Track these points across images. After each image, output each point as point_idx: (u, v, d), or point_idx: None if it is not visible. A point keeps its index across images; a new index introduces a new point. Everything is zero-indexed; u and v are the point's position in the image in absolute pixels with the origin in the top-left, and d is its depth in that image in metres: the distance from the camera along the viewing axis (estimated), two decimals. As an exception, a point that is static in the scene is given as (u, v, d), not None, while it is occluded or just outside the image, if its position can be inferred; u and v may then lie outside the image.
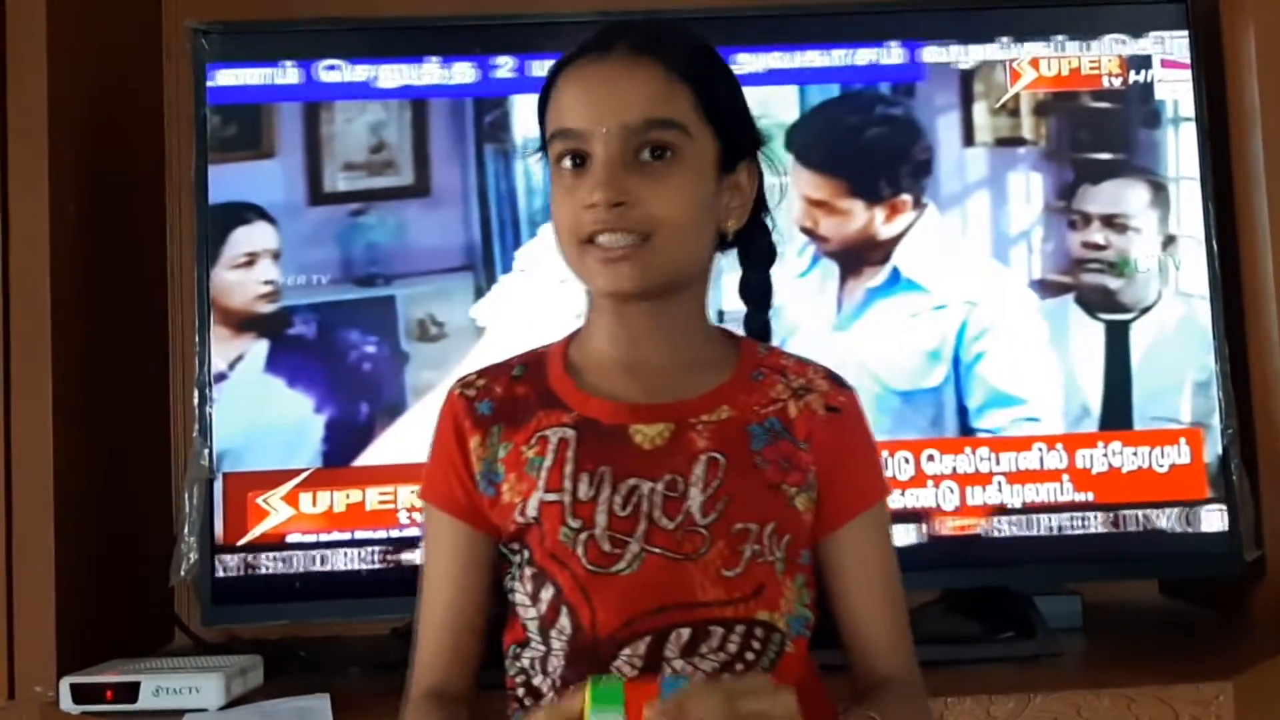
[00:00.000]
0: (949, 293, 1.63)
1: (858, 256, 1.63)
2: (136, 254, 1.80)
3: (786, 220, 1.60)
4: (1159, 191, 1.66)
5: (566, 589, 0.99)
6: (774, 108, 1.63)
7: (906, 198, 1.64)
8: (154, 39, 1.88)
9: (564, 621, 0.99)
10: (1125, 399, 1.62)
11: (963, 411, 1.61)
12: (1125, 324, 1.64)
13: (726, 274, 1.11)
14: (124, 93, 1.78)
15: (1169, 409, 1.62)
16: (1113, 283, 1.64)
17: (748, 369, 1.06)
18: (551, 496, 1.01)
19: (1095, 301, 1.64)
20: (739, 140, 1.06)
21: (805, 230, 1.63)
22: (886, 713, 0.97)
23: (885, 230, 1.63)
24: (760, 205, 1.10)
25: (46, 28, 1.54)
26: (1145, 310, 1.64)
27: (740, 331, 1.11)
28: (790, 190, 1.59)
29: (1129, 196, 1.65)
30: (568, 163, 1.01)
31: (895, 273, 1.63)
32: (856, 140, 1.66)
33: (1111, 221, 1.65)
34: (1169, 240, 1.65)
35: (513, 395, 1.05)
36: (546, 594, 1.00)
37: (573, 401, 1.04)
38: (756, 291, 1.12)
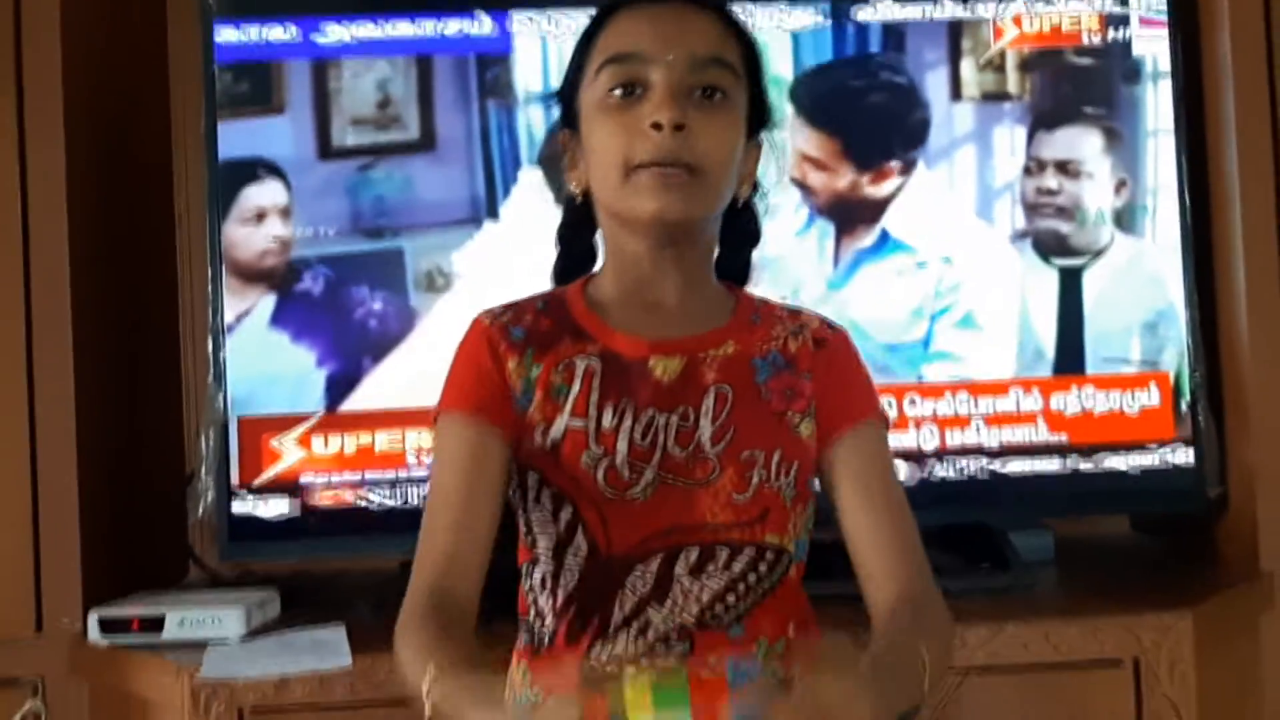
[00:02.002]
0: (931, 249, 1.70)
1: (850, 211, 1.70)
2: (145, 208, 1.86)
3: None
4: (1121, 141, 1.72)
5: (584, 511, 1.05)
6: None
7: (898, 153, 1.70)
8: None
9: (580, 541, 1.05)
10: (1081, 345, 1.70)
11: (938, 359, 1.69)
12: (1078, 269, 1.71)
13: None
14: (130, 49, 1.83)
15: (1138, 352, 1.70)
16: (1065, 227, 1.70)
17: (747, 312, 1.13)
18: (577, 423, 1.05)
19: (1051, 246, 1.70)
20: (762, 108, 1.12)
21: (796, 182, 1.69)
22: (914, 634, 0.99)
23: (875, 187, 1.70)
24: (755, 187, 1.15)
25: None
26: (1098, 254, 1.70)
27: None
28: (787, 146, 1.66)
29: (1086, 145, 1.71)
30: (618, 92, 1.05)
31: (884, 233, 1.70)
32: (851, 99, 1.71)
33: (1065, 168, 1.71)
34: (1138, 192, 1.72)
35: (539, 324, 1.09)
36: (565, 514, 1.06)
37: (598, 334, 1.09)
38: (736, 271, 1.17)
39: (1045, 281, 1.71)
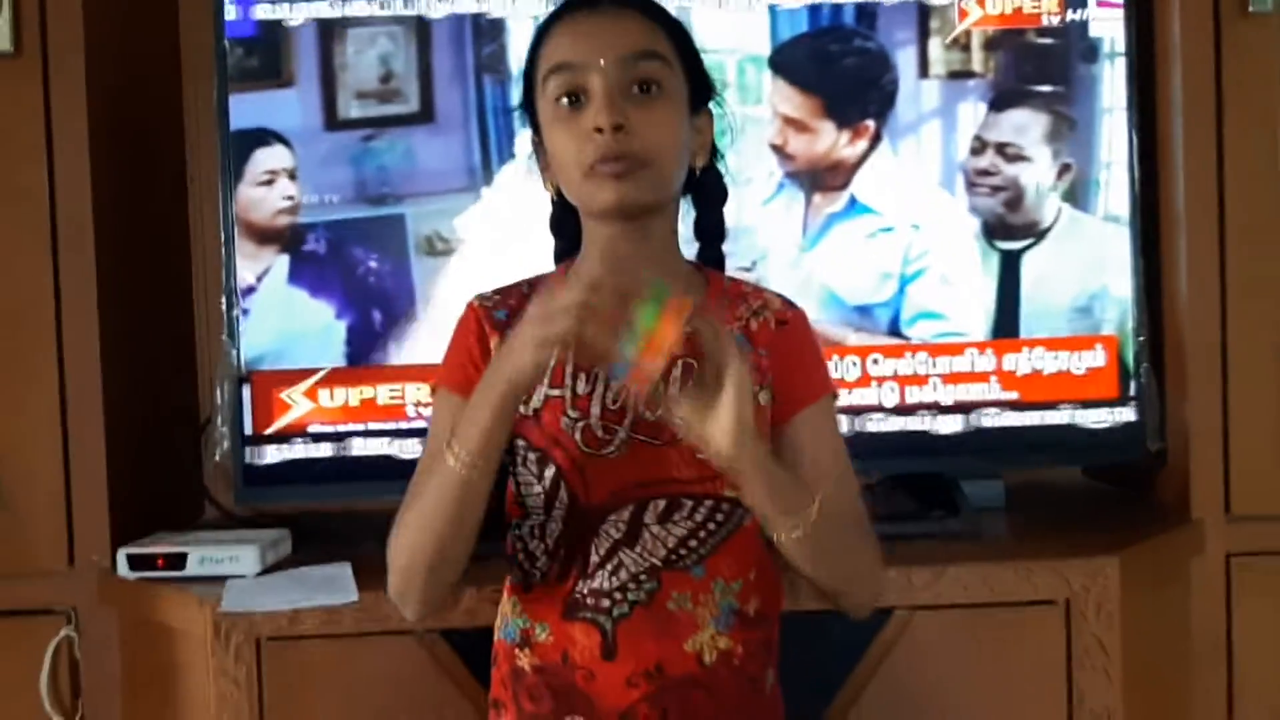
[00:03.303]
0: (897, 216, 1.81)
1: (820, 180, 1.81)
2: (159, 174, 1.98)
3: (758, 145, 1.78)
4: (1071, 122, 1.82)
5: (565, 468, 1.19)
6: (749, 37, 1.79)
7: (869, 124, 1.80)
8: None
9: (563, 494, 1.20)
10: (1035, 309, 1.82)
11: (898, 322, 1.81)
12: (1035, 241, 1.82)
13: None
14: (144, 26, 1.94)
15: (1087, 317, 1.83)
16: (1017, 206, 1.81)
17: (716, 293, 1.25)
18: (555, 392, 1.20)
19: (997, 228, 1.81)
20: (701, 85, 1.24)
21: (775, 148, 1.79)
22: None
23: (847, 153, 1.80)
24: (714, 151, 1.28)
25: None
26: (1047, 230, 1.81)
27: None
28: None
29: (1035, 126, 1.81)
30: (565, 101, 1.17)
31: (853, 198, 1.81)
32: (826, 67, 1.81)
33: (1009, 149, 1.81)
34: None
35: (523, 306, 1.21)
36: (549, 473, 1.20)
37: None
38: (711, 228, 1.30)
39: (1002, 250, 1.83)
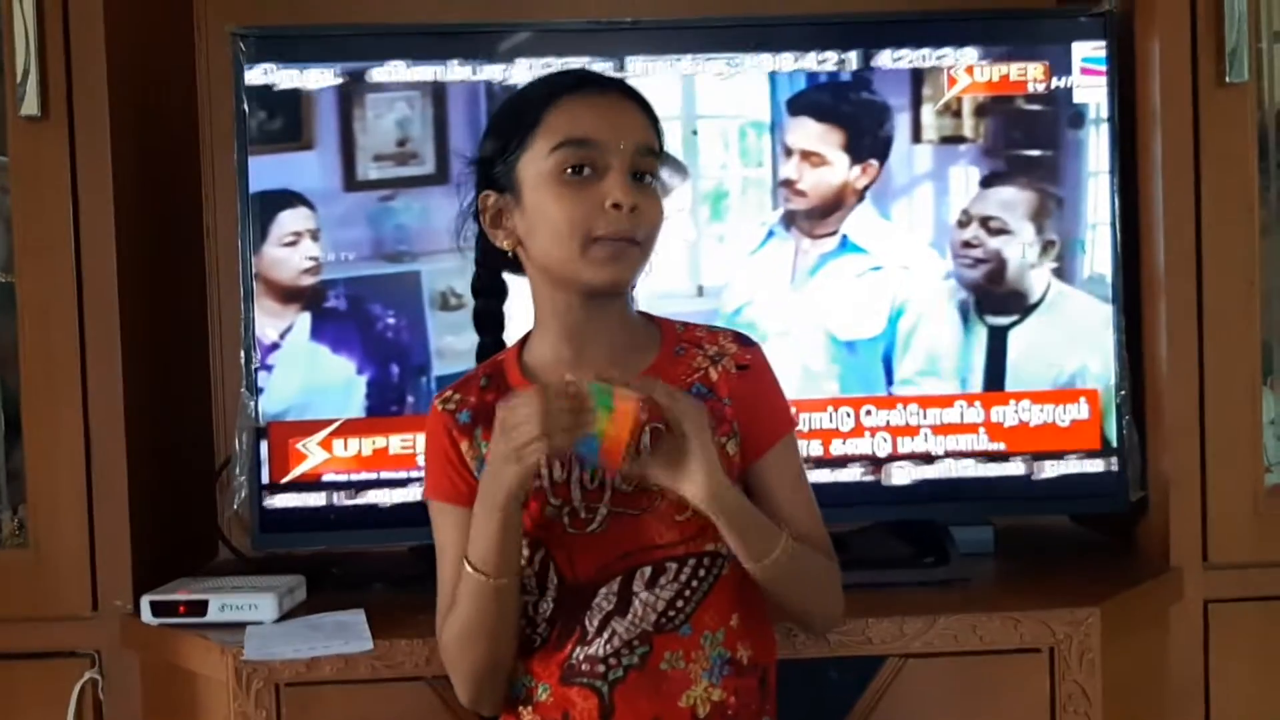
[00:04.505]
0: (886, 258, 1.89)
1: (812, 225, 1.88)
2: (179, 232, 2.06)
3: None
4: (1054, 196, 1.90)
5: (553, 550, 1.26)
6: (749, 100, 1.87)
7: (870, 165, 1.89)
8: (187, 39, 2.11)
9: (552, 574, 1.27)
10: (1023, 363, 1.90)
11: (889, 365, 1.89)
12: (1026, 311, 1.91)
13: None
14: (163, 89, 2.02)
15: (1072, 371, 1.90)
16: (1001, 279, 1.90)
17: (670, 346, 1.31)
18: (534, 483, 1.22)
19: (989, 301, 1.89)
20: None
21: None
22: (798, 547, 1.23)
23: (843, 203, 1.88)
24: None
25: (105, 38, 1.77)
26: (1036, 304, 1.90)
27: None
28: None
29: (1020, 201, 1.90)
30: (570, 171, 1.22)
31: (844, 239, 1.89)
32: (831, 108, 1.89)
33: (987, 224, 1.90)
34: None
35: (484, 402, 1.28)
36: (538, 555, 1.27)
37: None
38: None
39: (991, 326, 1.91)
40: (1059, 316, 1.90)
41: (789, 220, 1.88)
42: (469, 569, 1.20)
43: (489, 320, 1.37)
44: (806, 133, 1.88)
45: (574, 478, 1.25)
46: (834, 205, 1.88)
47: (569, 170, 1.22)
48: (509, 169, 1.26)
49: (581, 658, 1.25)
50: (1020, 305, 1.90)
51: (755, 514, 1.24)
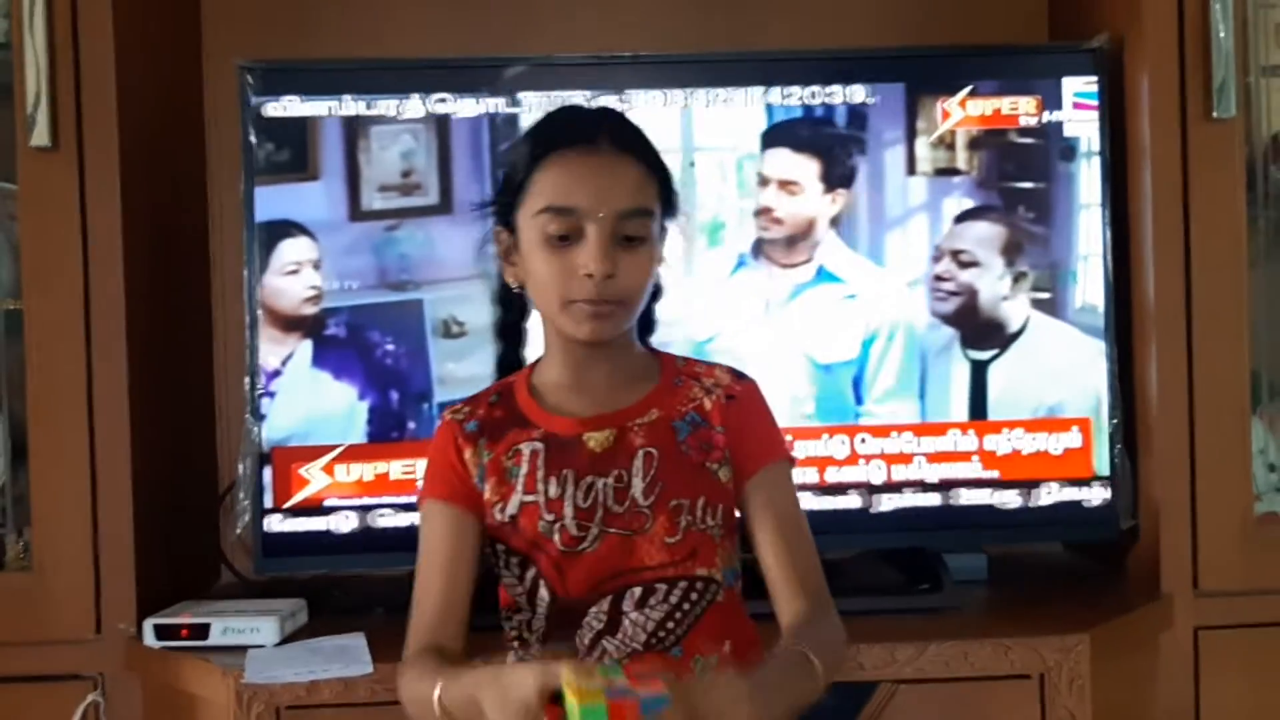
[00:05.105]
0: (861, 286, 1.92)
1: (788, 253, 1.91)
2: (186, 261, 2.09)
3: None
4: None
5: (544, 568, 1.29)
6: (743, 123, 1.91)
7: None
8: (195, 72, 2.16)
9: (543, 592, 1.29)
10: (1016, 391, 1.93)
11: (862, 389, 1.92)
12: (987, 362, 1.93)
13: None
14: (172, 120, 2.06)
15: (1065, 399, 1.93)
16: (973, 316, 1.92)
17: (670, 377, 1.34)
18: (530, 498, 1.28)
19: (973, 334, 1.92)
20: (669, 214, 1.33)
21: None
22: (806, 642, 1.20)
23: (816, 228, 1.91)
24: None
25: (115, 71, 1.81)
26: (1019, 332, 1.92)
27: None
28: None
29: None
30: (555, 237, 1.24)
31: (820, 269, 1.92)
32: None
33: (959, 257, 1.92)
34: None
35: (492, 416, 1.33)
36: (529, 574, 1.30)
37: (538, 420, 1.32)
38: (647, 322, 1.38)
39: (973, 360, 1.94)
40: (1041, 347, 1.92)
41: (757, 249, 1.91)
42: (433, 698, 1.17)
43: (508, 332, 1.40)
44: (785, 164, 1.91)
45: (568, 494, 1.29)
46: (808, 236, 1.91)
47: (551, 234, 1.25)
48: (513, 214, 1.30)
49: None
50: (1000, 338, 1.93)
51: (792, 690, 1.16)
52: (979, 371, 1.92)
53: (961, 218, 1.93)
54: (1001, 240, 1.93)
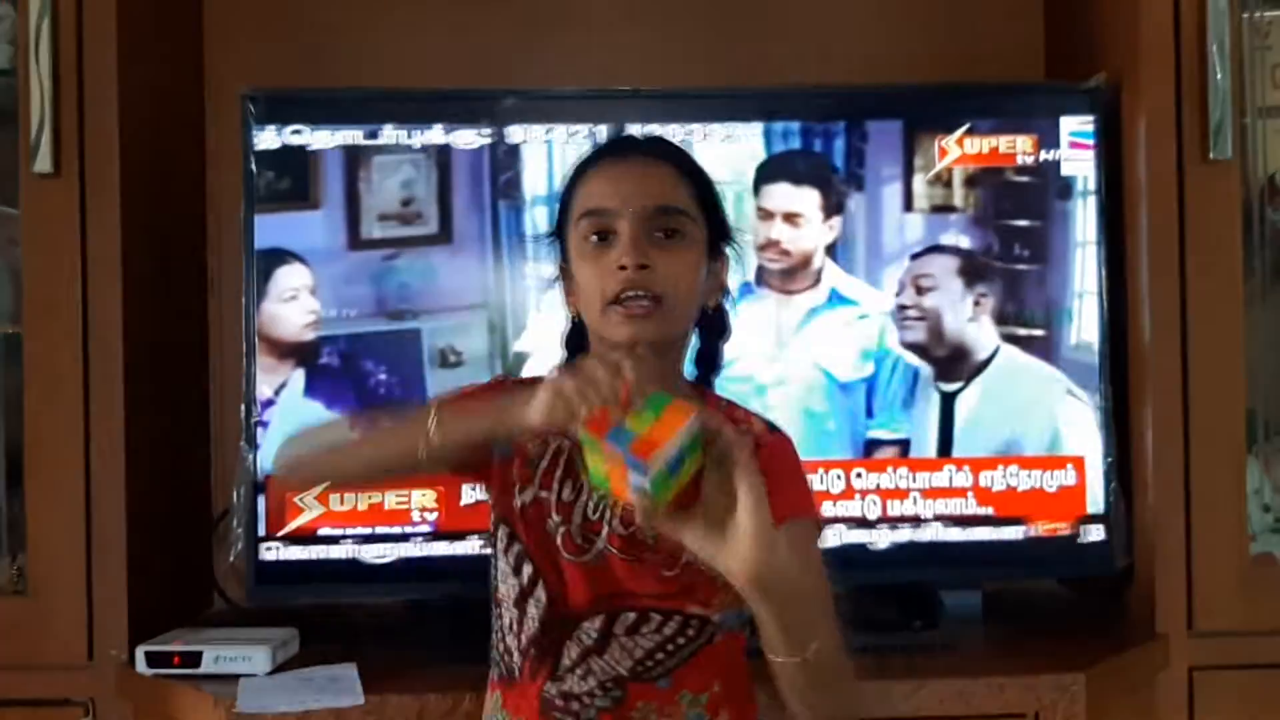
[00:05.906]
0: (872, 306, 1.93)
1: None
2: (184, 287, 2.10)
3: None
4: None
5: (544, 568, 1.28)
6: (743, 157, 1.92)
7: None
8: (198, 100, 2.17)
9: (540, 593, 1.28)
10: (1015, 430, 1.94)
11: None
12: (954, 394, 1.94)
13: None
14: (174, 148, 2.07)
15: (1058, 438, 1.93)
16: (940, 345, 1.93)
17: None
18: (543, 494, 1.29)
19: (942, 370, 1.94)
20: (721, 233, 1.34)
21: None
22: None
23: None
24: (725, 291, 1.38)
25: (118, 98, 1.82)
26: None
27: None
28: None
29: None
30: (594, 239, 1.27)
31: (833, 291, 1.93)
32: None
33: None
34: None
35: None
36: (527, 570, 1.29)
37: None
38: (710, 359, 1.38)
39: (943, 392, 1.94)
40: (1032, 385, 1.93)
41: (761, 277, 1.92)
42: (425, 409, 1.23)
43: (578, 348, 1.38)
44: (786, 197, 1.92)
45: (580, 501, 1.29)
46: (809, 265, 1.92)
47: (593, 238, 1.28)
48: (566, 239, 1.33)
49: (555, 692, 1.27)
50: (969, 369, 1.94)
51: (804, 607, 1.13)
52: (947, 403, 1.93)
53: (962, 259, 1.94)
54: (998, 284, 1.94)
